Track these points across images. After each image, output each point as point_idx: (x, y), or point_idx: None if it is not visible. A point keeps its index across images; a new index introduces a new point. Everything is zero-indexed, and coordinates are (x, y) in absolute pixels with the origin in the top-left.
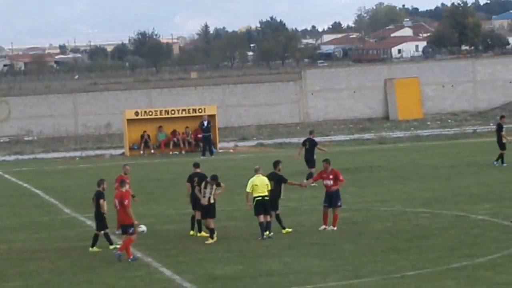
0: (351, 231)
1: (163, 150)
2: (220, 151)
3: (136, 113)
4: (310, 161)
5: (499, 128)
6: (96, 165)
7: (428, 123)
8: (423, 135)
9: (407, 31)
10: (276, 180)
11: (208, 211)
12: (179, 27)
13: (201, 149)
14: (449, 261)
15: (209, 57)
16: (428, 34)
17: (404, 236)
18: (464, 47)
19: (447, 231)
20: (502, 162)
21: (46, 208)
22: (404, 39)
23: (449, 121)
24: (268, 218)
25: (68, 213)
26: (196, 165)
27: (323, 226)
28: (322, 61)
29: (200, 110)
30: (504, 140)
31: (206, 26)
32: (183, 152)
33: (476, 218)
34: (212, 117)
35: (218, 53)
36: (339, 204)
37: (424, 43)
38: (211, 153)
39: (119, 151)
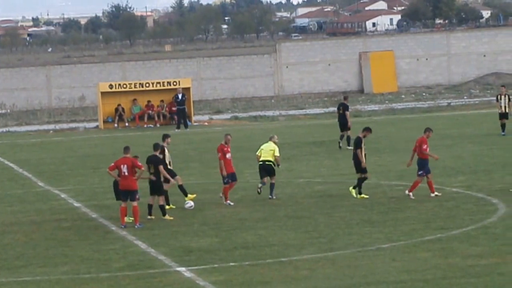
0: (326, 204)
1: (137, 123)
2: (195, 124)
3: (110, 86)
4: (344, 124)
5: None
6: (70, 138)
7: (403, 96)
8: (397, 108)
9: (381, 5)
10: (155, 163)
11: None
12: (153, 0)
13: (176, 122)
14: (423, 234)
15: (183, 30)
16: (403, 7)
17: (379, 209)
18: (438, 21)
19: (421, 204)
20: (502, 130)
21: (20, 181)
22: (378, 13)
23: (424, 94)
24: (273, 180)
25: (42, 186)
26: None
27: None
28: (296, 34)
29: (174, 83)
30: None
31: None
32: (158, 125)
33: (451, 191)
34: (186, 90)
35: (193, 26)
36: (419, 172)
37: (399, 17)
38: (186, 126)
39: (93, 124)
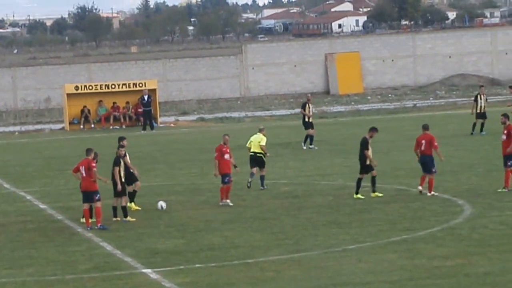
0: (293, 205)
1: (103, 124)
2: (161, 125)
3: (76, 88)
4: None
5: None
6: (35, 140)
7: (369, 97)
8: (363, 109)
9: (347, 6)
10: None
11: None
12: (119, 2)
13: (142, 124)
14: (389, 235)
15: (149, 32)
16: (369, 8)
17: (345, 210)
18: (404, 22)
19: (387, 205)
20: (481, 130)
21: None
22: (344, 14)
23: (389, 95)
24: (262, 172)
25: (8, 188)
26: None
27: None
28: (262, 35)
29: (140, 85)
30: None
31: (146, 1)
32: (124, 126)
33: (416, 192)
34: (152, 91)
35: (158, 28)
36: (433, 170)
37: (365, 18)
38: (152, 127)
39: (59, 126)
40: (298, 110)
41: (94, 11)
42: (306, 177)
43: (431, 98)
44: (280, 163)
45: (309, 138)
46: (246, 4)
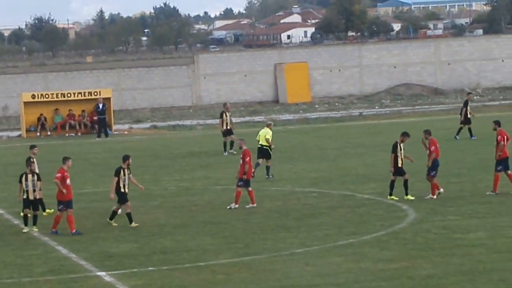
0: (243, 210)
1: (59, 132)
2: (115, 133)
3: (33, 96)
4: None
5: (465, 104)
6: None
7: (316, 106)
8: (311, 117)
9: (296, 18)
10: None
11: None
12: (75, 13)
13: (97, 131)
14: (336, 239)
15: (104, 42)
16: (317, 20)
17: (294, 215)
18: (350, 33)
19: (334, 210)
20: (471, 135)
21: None
22: (293, 25)
23: (337, 104)
24: (268, 163)
25: None
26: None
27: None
28: (214, 46)
29: (95, 93)
30: (470, 116)
31: (102, 12)
32: (79, 134)
33: (362, 197)
34: (107, 100)
35: (113, 38)
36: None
37: (313, 29)
38: (106, 135)
39: (16, 133)
40: (248, 118)
41: (51, 22)
42: (256, 182)
43: (376, 107)
44: (231, 169)
45: (230, 144)
46: (198, 15)
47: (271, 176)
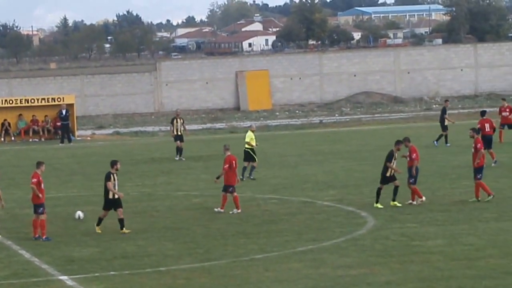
0: (204, 216)
1: (23, 137)
2: (78, 138)
3: None
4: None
5: (443, 111)
6: None
7: (277, 113)
8: (272, 125)
9: (257, 26)
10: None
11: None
12: (39, 20)
13: (60, 137)
14: (296, 245)
15: (68, 49)
16: (278, 29)
17: (254, 221)
18: (311, 42)
19: (294, 216)
20: (446, 142)
21: None
22: (254, 33)
23: (297, 111)
24: (254, 164)
25: None
26: None
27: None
28: (176, 53)
29: (59, 99)
30: (446, 122)
31: (65, 19)
32: (43, 139)
33: (322, 204)
34: (70, 106)
35: (77, 45)
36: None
37: (274, 38)
38: (69, 140)
39: None
40: (209, 125)
41: (15, 28)
42: (217, 189)
43: (336, 115)
44: (192, 175)
45: (178, 150)
46: (161, 23)
47: (252, 177)
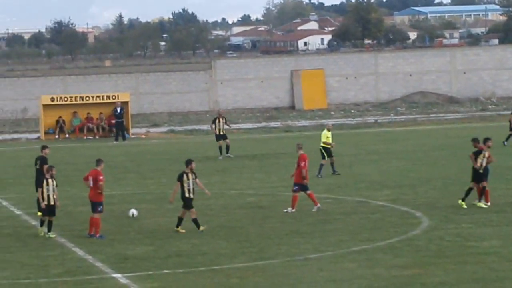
0: (258, 215)
1: (77, 134)
2: (133, 136)
3: (52, 99)
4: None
5: None
6: (12, 148)
7: (332, 112)
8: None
9: (313, 25)
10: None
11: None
12: (94, 17)
13: (114, 134)
14: (350, 245)
15: (123, 47)
16: (333, 28)
17: (308, 220)
18: (367, 41)
19: (348, 216)
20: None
21: None
22: (310, 32)
23: (352, 111)
24: (332, 161)
25: None
26: (43, 147)
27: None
28: (231, 52)
29: (113, 97)
30: None
31: (121, 17)
32: (97, 137)
33: (376, 204)
34: (125, 103)
35: (132, 43)
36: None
37: (329, 37)
38: (124, 138)
39: (34, 135)
40: (264, 124)
41: (71, 26)
42: (271, 188)
43: (391, 114)
44: (246, 174)
45: (226, 148)
46: (216, 21)
47: (336, 172)
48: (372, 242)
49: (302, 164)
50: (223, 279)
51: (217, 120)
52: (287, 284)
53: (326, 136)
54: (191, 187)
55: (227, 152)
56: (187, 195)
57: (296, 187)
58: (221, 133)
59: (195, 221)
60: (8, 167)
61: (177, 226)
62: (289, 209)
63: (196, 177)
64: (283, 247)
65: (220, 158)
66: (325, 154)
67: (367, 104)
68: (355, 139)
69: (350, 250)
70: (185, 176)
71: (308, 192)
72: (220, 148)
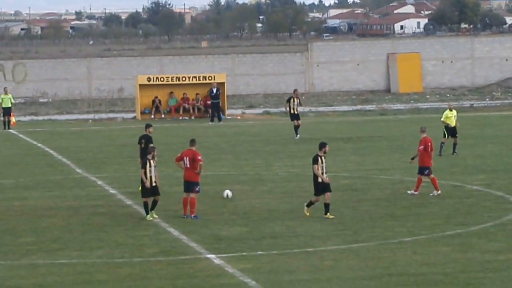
0: (352, 198)
1: (173, 115)
2: (228, 117)
3: (148, 79)
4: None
5: None
6: (108, 128)
7: (428, 96)
8: (422, 108)
9: (409, 8)
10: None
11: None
12: None
13: (210, 115)
14: (444, 229)
15: (219, 28)
16: (430, 11)
17: (402, 204)
18: (463, 25)
19: (443, 200)
20: None
21: (59, 168)
22: (406, 16)
23: (448, 95)
24: (455, 141)
25: (80, 173)
26: (148, 126)
27: None
28: (327, 34)
29: (210, 78)
30: None
31: None
32: (193, 117)
33: (471, 188)
34: (221, 84)
35: (228, 24)
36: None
37: (426, 20)
38: (219, 119)
39: (130, 115)
40: (360, 106)
41: (168, 6)
42: (365, 171)
43: (487, 99)
44: (341, 157)
45: (295, 128)
46: (313, 3)
47: (456, 153)
48: (466, 226)
49: (421, 147)
50: (317, 261)
51: (291, 99)
52: (381, 267)
53: (446, 115)
54: (325, 171)
55: (296, 133)
56: (319, 179)
57: (427, 170)
58: (296, 112)
59: (326, 205)
60: (103, 146)
61: (325, 214)
62: (434, 192)
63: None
64: (377, 230)
65: (297, 138)
66: (445, 133)
67: (462, 88)
68: None
69: (444, 234)
70: (319, 159)
71: (420, 177)
72: (295, 127)
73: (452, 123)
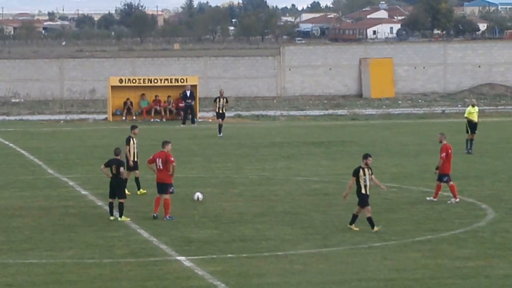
0: (322, 202)
1: (144, 117)
2: (200, 120)
3: (120, 80)
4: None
5: None
6: (79, 129)
7: (399, 102)
8: (394, 113)
9: (382, 14)
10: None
11: None
12: (164, 0)
13: (182, 118)
14: (414, 234)
15: (192, 30)
16: (403, 17)
17: (373, 209)
18: (436, 31)
19: (413, 206)
20: None
21: (31, 168)
22: (379, 21)
23: (420, 101)
24: (472, 137)
25: (52, 174)
26: (133, 127)
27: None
28: (300, 38)
29: (182, 80)
30: None
31: (190, 0)
32: (164, 119)
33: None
34: (193, 87)
35: (201, 27)
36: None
37: (399, 26)
38: (193, 121)
39: (102, 116)
40: (331, 111)
41: (140, 8)
42: (337, 175)
43: (459, 105)
44: (312, 161)
45: (218, 126)
46: (286, 7)
47: (471, 152)
48: (436, 232)
49: (443, 154)
50: (287, 265)
51: (218, 99)
52: (350, 272)
53: (469, 111)
54: (368, 183)
55: (219, 131)
56: (363, 191)
57: (446, 177)
58: (221, 111)
59: (369, 220)
60: (75, 147)
61: (351, 224)
62: (452, 200)
63: (372, 173)
64: (347, 234)
65: (219, 135)
66: (468, 129)
67: (434, 94)
68: (422, 129)
69: (414, 240)
70: (361, 171)
71: (439, 183)
72: (219, 126)
73: (475, 118)
